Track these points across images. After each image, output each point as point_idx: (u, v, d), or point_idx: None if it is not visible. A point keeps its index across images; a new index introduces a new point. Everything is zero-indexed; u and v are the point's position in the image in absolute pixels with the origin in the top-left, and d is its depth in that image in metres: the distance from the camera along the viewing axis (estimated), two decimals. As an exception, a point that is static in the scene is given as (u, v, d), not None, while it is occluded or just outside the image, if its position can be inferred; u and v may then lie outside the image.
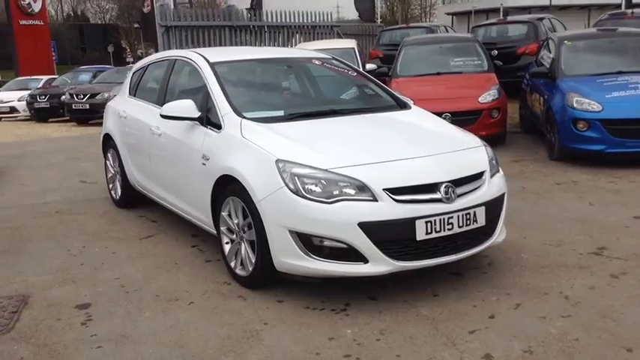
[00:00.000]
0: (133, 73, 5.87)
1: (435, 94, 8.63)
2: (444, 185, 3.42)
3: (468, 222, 3.48)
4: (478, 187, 3.60)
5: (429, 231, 3.35)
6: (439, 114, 8.03)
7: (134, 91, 5.65)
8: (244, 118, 3.96)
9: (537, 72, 8.53)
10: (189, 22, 14.28)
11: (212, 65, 4.46)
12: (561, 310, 3.35)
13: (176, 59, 4.96)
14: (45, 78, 23.98)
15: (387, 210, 3.30)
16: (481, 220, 3.55)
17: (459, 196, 3.47)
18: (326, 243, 3.32)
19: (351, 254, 3.31)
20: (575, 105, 6.84)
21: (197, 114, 4.16)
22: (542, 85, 8.24)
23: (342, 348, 3.03)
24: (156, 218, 5.50)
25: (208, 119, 4.13)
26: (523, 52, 12.06)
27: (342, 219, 3.27)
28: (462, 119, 8.04)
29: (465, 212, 3.46)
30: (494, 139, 7.53)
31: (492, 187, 3.69)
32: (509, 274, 3.90)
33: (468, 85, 8.90)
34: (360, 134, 3.98)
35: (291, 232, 3.35)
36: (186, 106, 4.17)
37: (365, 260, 3.31)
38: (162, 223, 5.35)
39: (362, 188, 3.32)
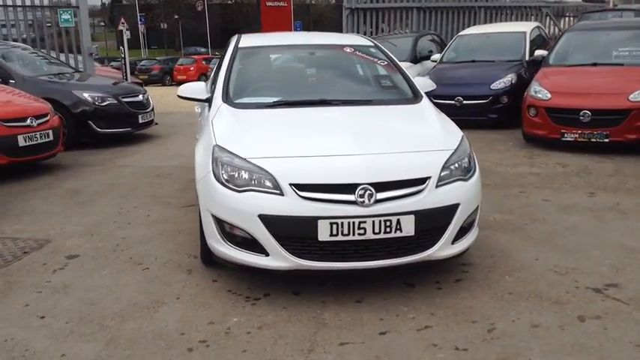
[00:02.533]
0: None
1: (577, 87, 7.78)
2: (360, 187, 3.22)
3: (388, 229, 3.23)
4: (411, 193, 3.30)
5: (335, 233, 3.19)
6: (576, 111, 7.28)
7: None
8: (228, 102, 4.13)
9: None
10: (375, 4, 14.42)
11: (236, 50, 4.68)
12: (463, 343, 2.97)
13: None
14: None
15: (290, 205, 3.23)
16: (408, 230, 3.26)
17: (380, 201, 3.23)
18: (235, 231, 3.38)
19: (255, 245, 3.32)
20: None
21: (205, 96, 4.42)
22: None
23: (207, 333, 3.09)
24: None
25: (211, 101, 4.38)
26: None
27: (245, 209, 3.30)
28: (603, 119, 7.14)
29: (383, 219, 3.21)
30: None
31: (435, 195, 3.34)
32: (463, 294, 3.52)
33: (622, 80, 7.74)
34: (315, 126, 3.87)
35: (212, 216, 3.48)
36: (197, 88, 4.46)
37: (266, 253, 3.30)
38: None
39: (270, 181, 3.29)
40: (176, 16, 59.61)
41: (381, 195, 3.23)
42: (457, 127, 3.94)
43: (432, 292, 3.53)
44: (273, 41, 5.20)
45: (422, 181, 3.34)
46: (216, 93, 4.28)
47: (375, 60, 4.74)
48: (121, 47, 12.30)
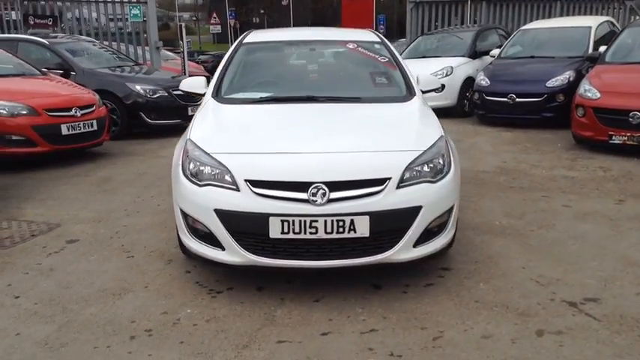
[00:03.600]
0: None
1: (629, 87, 7.33)
2: (313, 186, 3.19)
3: (341, 230, 3.18)
4: (367, 194, 3.23)
5: (286, 230, 3.18)
6: (626, 112, 6.83)
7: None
8: (217, 97, 4.21)
9: None
10: (441, -3, 14.09)
11: (239, 46, 4.75)
12: (401, 349, 2.88)
13: None
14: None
15: (243, 201, 3.25)
16: (362, 231, 3.20)
17: (333, 200, 3.19)
18: (197, 225, 3.44)
19: (213, 239, 3.37)
20: None
21: (203, 90, 4.52)
22: None
23: (156, 323, 3.16)
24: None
25: None
26: None
27: (203, 203, 3.35)
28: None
29: (336, 218, 3.17)
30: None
31: (395, 197, 3.25)
32: (427, 299, 3.41)
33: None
34: (288, 124, 3.85)
35: (180, 209, 3.56)
36: (198, 82, 4.56)
37: (222, 247, 3.34)
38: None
39: (229, 176, 3.32)
40: (262, 11, 60.68)
41: (335, 194, 3.18)
42: (440, 127, 3.80)
43: (396, 296, 3.45)
44: (278, 37, 5.22)
45: (380, 181, 3.25)
46: (209, 88, 4.36)
47: (376, 57, 4.65)
48: (180, 41, 12.65)
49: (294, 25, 54.96)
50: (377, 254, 3.27)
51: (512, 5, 14.36)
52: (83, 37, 11.51)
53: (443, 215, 3.47)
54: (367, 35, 4.99)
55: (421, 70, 10.58)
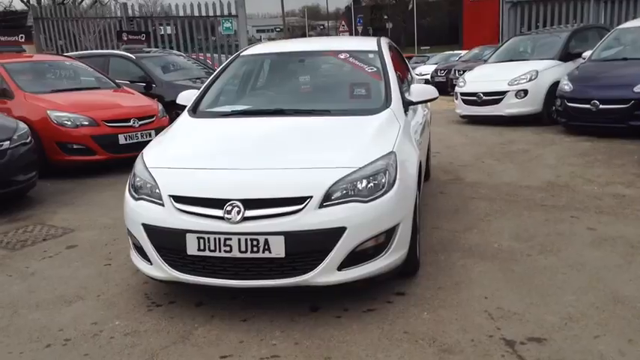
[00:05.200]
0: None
1: None
2: (228, 203, 3.13)
3: (255, 249, 3.09)
4: (284, 213, 3.10)
5: (202, 247, 3.15)
6: None
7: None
8: (193, 110, 4.29)
9: None
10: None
11: (235, 58, 4.80)
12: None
13: None
14: (463, 53, 25.35)
15: (165, 216, 3.26)
16: (277, 251, 3.08)
17: (249, 218, 3.11)
18: (132, 238, 3.51)
19: (143, 253, 3.43)
20: None
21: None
22: None
23: (79, 333, 3.25)
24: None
25: None
26: None
27: (134, 217, 3.42)
28: None
29: (250, 237, 3.08)
30: None
31: (315, 217, 3.10)
32: (354, 326, 3.20)
33: None
34: (235, 138, 3.78)
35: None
36: (187, 96, 4.67)
37: (149, 261, 3.38)
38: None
39: (157, 190, 3.36)
40: (385, 17, 60.61)
41: (250, 212, 3.10)
42: (393, 143, 3.54)
43: (325, 320, 3.28)
44: (276, 49, 5.16)
45: (300, 200, 3.11)
46: (191, 101, 4.43)
47: (364, 67, 4.45)
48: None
49: (416, 30, 54.19)
50: (294, 276, 3.13)
51: (624, 3, 13.08)
52: (175, 51, 12.18)
53: (379, 237, 3.24)
54: (367, 44, 4.79)
55: (503, 75, 10.15)
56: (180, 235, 3.17)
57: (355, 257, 3.19)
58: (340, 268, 3.16)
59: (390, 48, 5.20)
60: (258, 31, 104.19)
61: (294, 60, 4.88)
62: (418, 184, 3.99)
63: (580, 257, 4.03)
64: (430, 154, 6.68)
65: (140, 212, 3.36)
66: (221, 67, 4.78)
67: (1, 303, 3.71)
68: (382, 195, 3.24)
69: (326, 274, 3.13)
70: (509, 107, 10.13)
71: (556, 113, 9.45)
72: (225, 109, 4.26)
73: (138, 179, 3.50)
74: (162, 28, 14.61)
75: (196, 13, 13.57)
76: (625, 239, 4.33)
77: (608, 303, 3.33)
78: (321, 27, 77.13)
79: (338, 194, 3.17)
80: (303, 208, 3.10)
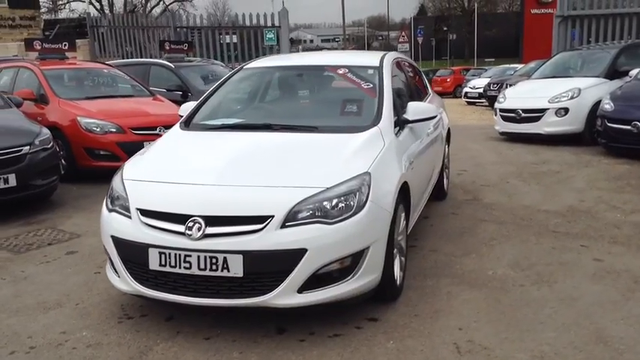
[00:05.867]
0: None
1: None
2: (190, 219, 3.11)
3: (214, 267, 3.05)
4: (244, 232, 3.05)
5: (163, 263, 3.14)
6: None
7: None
8: (186, 123, 4.30)
9: None
10: (592, 11, 12.71)
11: (238, 70, 4.81)
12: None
13: None
14: (520, 66, 24.73)
15: (131, 229, 3.27)
16: (235, 270, 3.03)
17: (210, 235, 3.08)
18: (105, 249, 3.54)
19: (113, 265, 3.45)
20: None
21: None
22: None
23: (45, 341, 3.28)
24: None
25: None
26: None
27: (105, 228, 3.45)
28: None
29: (209, 255, 3.05)
30: None
31: (275, 237, 3.03)
32: (314, 351, 3.11)
33: None
34: (213, 153, 3.75)
35: None
36: (188, 107, 4.70)
37: (118, 274, 3.40)
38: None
39: (127, 203, 3.37)
40: (445, 28, 59.85)
41: (211, 230, 3.07)
42: (370, 163, 3.43)
43: (287, 344, 3.20)
44: (277, 62, 5.13)
45: (261, 219, 3.06)
46: (186, 113, 4.45)
47: (361, 83, 4.36)
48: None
49: (481, 41, 53.23)
50: (253, 297, 3.07)
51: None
52: (217, 61, 12.37)
53: (344, 260, 3.14)
54: (370, 60, 4.69)
55: (544, 92, 9.79)
56: (143, 249, 3.17)
57: (318, 280, 3.10)
58: (301, 290, 3.08)
59: (400, 64, 5.09)
60: (322, 40, 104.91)
61: (293, 74, 4.84)
62: (407, 207, 3.88)
63: (575, 290, 3.80)
64: (448, 172, 6.50)
65: (111, 224, 3.38)
66: (223, 79, 4.79)
67: (-14, 306, 3.80)
68: (350, 217, 3.15)
69: (286, 296, 3.06)
70: (548, 125, 9.76)
71: (597, 133, 9.03)
72: (216, 123, 4.25)
73: (114, 191, 3.53)
74: (225, 37, 14.93)
75: (248, 23, 13.79)
76: (630, 273, 4.06)
77: (588, 343, 3.12)
78: (380, 38, 77.01)
79: (303, 214, 3.09)
80: (264, 227, 3.04)
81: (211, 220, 3.08)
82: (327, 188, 3.18)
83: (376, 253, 3.28)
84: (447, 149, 6.26)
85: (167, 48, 11.37)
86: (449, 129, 6.31)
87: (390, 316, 3.49)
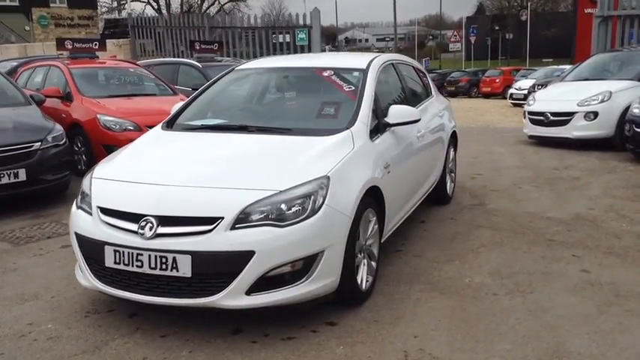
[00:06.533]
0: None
1: None
2: (143, 218, 3.17)
3: (164, 267, 3.10)
4: (193, 232, 3.09)
5: (117, 261, 3.20)
6: None
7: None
8: (168, 123, 4.38)
9: None
10: (635, 11, 12.23)
11: (230, 71, 4.87)
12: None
13: None
14: (568, 67, 24.02)
15: (90, 227, 3.35)
16: (184, 270, 3.07)
17: (162, 235, 3.13)
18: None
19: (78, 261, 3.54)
20: None
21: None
22: None
23: (10, 331, 3.40)
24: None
25: None
26: None
27: (70, 225, 3.55)
28: None
29: (159, 254, 3.09)
30: None
31: (224, 238, 3.05)
32: (263, 354, 3.12)
33: None
34: (181, 154, 3.81)
35: None
36: (176, 107, 4.77)
37: (81, 270, 3.49)
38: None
39: (90, 200, 3.46)
40: (496, 27, 58.59)
41: (163, 229, 3.12)
42: (331, 167, 3.40)
43: (238, 345, 3.22)
44: (266, 64, 5.13)
45: (211, 220, 3.09)
46: (172, 111, 4.52)
47: (343, 85, 4.33)
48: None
49: (534, 41, 51.80)
50: (201, 297, 3.10)
51: None
52: (244, 60, 12.49)
53: (295, 263, 3.14)
54: (358, 62, 4.64)
55: (574, 95, 9.48)
56: (100, 246, 3.25)
57: (268, 282, 3.11)
58: (250, 292, 3.09)
59: (395, 66, 5.02)
60: (378, 39, 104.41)
61: (280, 76, 4.85)
62: (380, 211, 3.83)
63: (549, 302, 3.68)
64: (454, 176, 6.39)
65: (75, 221, 3.48)
66: (213, 79, 4.85)
67: (-32, 295, 3.96)
68: (303, 220, 3.14)
69: (233, 297, 3.07)
70: (577, 130, 9.45)
71: (625, 139, 8.68)
72: (197, 123, 4.30)
73: (82, 188, 3.62)
74: (279, 36, 15.05)
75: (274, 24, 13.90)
76: (614, 286, 3.90)
77: (543, 357, 3.02)
78: (430, 37, 76.12)
79: (255, 217, 3.10)
80: (213, 228, 3.06)
81: (164, 220, 3.12)
82: (281, 191, 3.18)
83: (332, 258, 3.25)
84: (452, 153, 6.14)
85: (197, 48, 11.55)
86: (454, 132, 6.19)
87: (350, 320, 3.46)
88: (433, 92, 6.00)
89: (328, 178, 3.31)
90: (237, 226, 3.08)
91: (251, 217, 3.10)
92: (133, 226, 3.16)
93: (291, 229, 3.10)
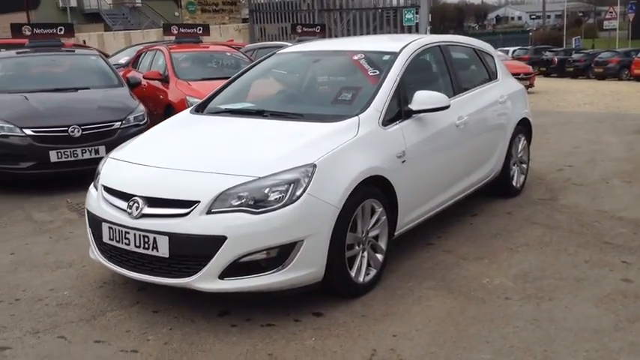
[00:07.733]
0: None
1: None
2: (132, 198, 3.32)
3: (146, 246, 3.23)
4: (173, 215, 3.18)
5: (111, 237, 3.39)
6: None
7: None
8: (199, 105, 4.53)
9: None
10: None
11: (270, 55, 4.92)
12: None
13: None
14: None
15: (95, 203, 3.57)
16: (163, 251, 3.18)
17: (147, 215, 3.26)
18: None
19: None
20: None
21: None
22: None
23: (31, 295, 3.72)
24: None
25: None
26: None
27: (85, 202, 3.79)
28: None
29: (142, 234, 3.23)
30: None
31: (200, 222, 3.11)
32: (235, 339, 3.15)
33: None
34: (192, 137, 3.89)
35: None
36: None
37: (90, 244, 3.73)
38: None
39: (99, 179, 3.70)
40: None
41: (148, 210, 3.25)
42: (322, 155, 3.32)
43: (218, 328, 3.27)
44: (304, 48, 5.04)
45: (189, 203, 3.16)
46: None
47: (368, 69, 4.18)
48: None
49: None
50: (178, 277, 3.20)
51: None
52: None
53: (270, 250, 3.12)
54: (393, 45, 4.44)
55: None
56: (99, 222, 3.45)
57: (241, 268, 3.13)
58: (223, 276, 3.12)
59: (442, 49, 4.76)
60: (531, 17, 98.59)
61: (310, 60, 4.77)
62: (391, 203, 3.69)
63: (564, 312, 3.35)
64: (526, 167, 5.96)
65: (88, 198, 3.72)
66: (252, 63, 4.89)
67: (17, 259, 4.36)
68: (279, 208, 3.11)
69: (207, 280, 3.13)
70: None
71: None
72: (222, 107, 4.38)
73: (98, 167, 3.84)
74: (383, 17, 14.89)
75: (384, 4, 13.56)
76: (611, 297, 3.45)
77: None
78: (580, 14, 70.32)
79: (231, 202, 3.13)
80: (190, 212, 3.13)
81: (150, 201, 3.25)
82: (260, 177, 3.17)
83: (314, 247, 3.19)
84: (521, 142, 5.72)
85: (299, 31, 11.68)
86: (525, 119, 5.74)
87: (337, 313, 3.39)
88: (499, 76, 5.60)
89: (315, 165, 3.24)
90: (212, 210, 3.12)
91: (227, 202, 3.12)
92: (124, 205, 3.31)
93: (267, 216, 3.08)
